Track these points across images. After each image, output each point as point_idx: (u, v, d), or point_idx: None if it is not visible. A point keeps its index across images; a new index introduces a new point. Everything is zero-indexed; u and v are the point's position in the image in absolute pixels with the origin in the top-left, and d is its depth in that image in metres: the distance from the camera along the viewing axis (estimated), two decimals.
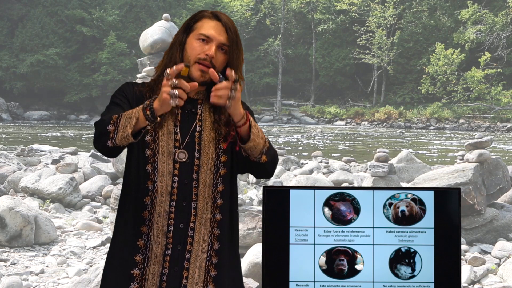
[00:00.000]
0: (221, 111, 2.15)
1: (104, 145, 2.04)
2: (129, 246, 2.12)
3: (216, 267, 2.15)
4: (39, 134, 25.90)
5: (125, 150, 2.18)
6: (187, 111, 2.17)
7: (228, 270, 2.19)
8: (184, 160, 2.12)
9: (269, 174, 2.24)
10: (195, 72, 2.10)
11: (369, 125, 38.47)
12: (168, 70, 1.93)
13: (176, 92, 1.92)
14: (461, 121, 36.27)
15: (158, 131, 2.12)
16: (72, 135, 26.49)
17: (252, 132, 2.07)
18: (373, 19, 42.30)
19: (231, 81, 1.96)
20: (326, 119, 40.60)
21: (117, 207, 5.23)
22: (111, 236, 2.25)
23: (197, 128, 2.15)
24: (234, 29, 2.13)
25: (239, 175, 2.60)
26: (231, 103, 1.98)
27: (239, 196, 8.35)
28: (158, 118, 2.01)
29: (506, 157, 17.99)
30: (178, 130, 2.14)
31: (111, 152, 2.09)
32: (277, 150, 14.04)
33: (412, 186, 8.54)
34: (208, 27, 2.12)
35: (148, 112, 1.98)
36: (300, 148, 21.47)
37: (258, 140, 2.09)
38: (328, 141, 25.53)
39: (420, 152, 19.78)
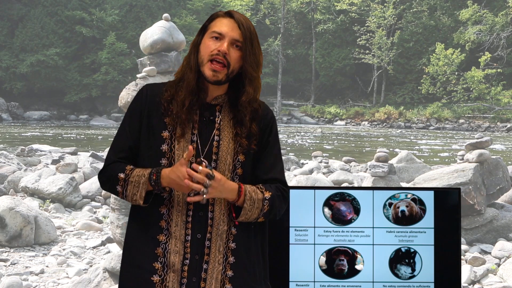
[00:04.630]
0: (242, 124, 2.11)
1: (114, 193, 2.14)
2: (147, 254, 2.10)
3: (230, 280, 2.11)
4: (38, 134, 25.89)
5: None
6: (205, 119, 2.13)
7: (246, 285, 2.14)
8: None
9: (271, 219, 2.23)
10: (207, 71, 2.08)
11: (369, 125, 38.42)
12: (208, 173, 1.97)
13: (206, 190, 1.99)
14: (461, 121, 36.24)
15: (175, 140, 2.10)
16: (70, 135, 26.49)
17: (244, 208, 2.07)
18: (373, 19, 42.26)
19: (202, 175, 1.96)
20: (326, 119, 40.55)
21: (116, 207, 5.22)
22: (123, 242, 2.24)
23: (215, 138, 2.11)
24: (247, 26, 2.10)
25: None
26: (207, 195, 1.99)
27: None
28: (167, 189, 2.07)
29: (499, 156, 17.92)
30: (196, 138, 2.11)
31: None
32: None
33: (412, 186, 8.53)
34: (221, 25, 2.10)
35: (153, 184, 2.05)
36: (288, 148, 21.44)
37: (250, 214, 2.10)
38: (310, 141, 25.40)
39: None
